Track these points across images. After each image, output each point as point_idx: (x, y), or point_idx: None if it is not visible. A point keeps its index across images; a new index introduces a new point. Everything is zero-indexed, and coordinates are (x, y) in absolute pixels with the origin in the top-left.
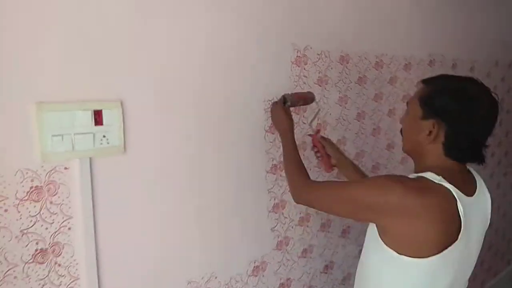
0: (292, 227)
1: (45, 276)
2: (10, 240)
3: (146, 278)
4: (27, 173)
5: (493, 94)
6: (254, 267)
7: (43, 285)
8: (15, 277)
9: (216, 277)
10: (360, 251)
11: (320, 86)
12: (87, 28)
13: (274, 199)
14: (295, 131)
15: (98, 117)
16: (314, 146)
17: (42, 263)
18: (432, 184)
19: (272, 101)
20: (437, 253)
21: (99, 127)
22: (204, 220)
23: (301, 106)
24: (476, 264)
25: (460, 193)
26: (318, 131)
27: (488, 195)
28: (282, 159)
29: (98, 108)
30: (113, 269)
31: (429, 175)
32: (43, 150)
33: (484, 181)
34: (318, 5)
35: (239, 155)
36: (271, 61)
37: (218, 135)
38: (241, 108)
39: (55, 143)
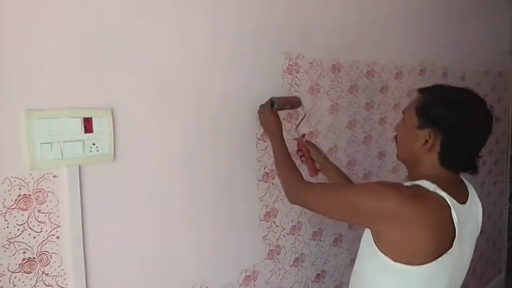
0: (284, 236)
1: (32, 286)
2: None
3: None
4: (15, 181)
5: (488, 106)
6: (245, 276)
7: None
8: (1, 287)
9: (207, 287)
10: (353, 260)
11: (311, 94)
12: (78, 36)
13: (266, 207)
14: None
15: (88, 124)
16: (299, 150)
17: (29, 272)
18: (426, 192)
19: (260, 105)
20: (432, 260)
21: (88, 135)
22: (194, 229)
23: (289, 111)
24: (468, 272)
25: (454, 200)
26: (303, 136)
27: (479, 203)
28: (274, 167)
29: (88, 115)
30: (101, 279)
31: (424, 183)
32: (32, 158)
33: (475, 189)
34: (310, 14)
35: (231, 163)
36: (263, 69)
37: (209, 143)
38: (233, 116)
39: (44, 151)
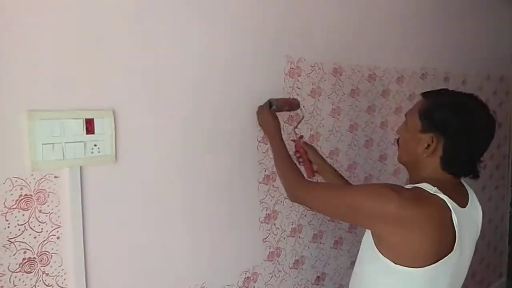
0: (284, 238)
1: (32, 286)
2: None
3: None
4: (16, 181)
5: (491, 112)
6: (245, 278)
7: None
8: (1, 287)
9: None
10: (353, 262)
11: (313, 97)
12: (80, 37)
13: (266, 209)
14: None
15: (89, 125)
16: (297, 151)
17: (30, 272)
18: (427, 195)
19: (258, 105)
20: (433, 263)
21: (90, 136)
22: (195, 230)
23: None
24: (468, 276)
25: (455, 204)
26: (301, 137)
27: (479, 207)
28: (274, 169)
29: (89, 116)
30: (101, 279)
31: (425, 186)
32: (33, 159)
33: (476, 193)
34: (312, 17)
35: (232, 165)
36: (265, 72)
37: (210, 145)
38: (234, 119)
39: (46, 152)
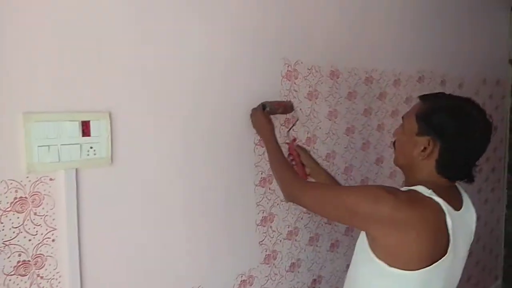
0: (280, 241)
1: None
2: None
3: None
4: (11, 183)
5: (488, 117)
6: (241, 281)
7: None
8: None
9: None
10: (349, 265)
11: (310, 100)
12: (77, 38)
13: (263, 212)
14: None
15: (85, 128)
16: (290, 154)
17: (24, 275)
18: (422, 197)
19: (252, 108)
20: (427, 266)
21: (86, 138)
22: (191, 233)
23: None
24: (464, 279)
25: (449, 207)
26: (294, 140)
27: (473, 210)
28: (271, 172)
29: (86, 119)
30: (97, 283)
31: (420, 188)
32: (29, 161)
33: (471, 196)
34: (309, 20)
35: (228, 168)
36: (262, 75)
37: (207, 147)
38: (231, 121)
39: (41, 154)
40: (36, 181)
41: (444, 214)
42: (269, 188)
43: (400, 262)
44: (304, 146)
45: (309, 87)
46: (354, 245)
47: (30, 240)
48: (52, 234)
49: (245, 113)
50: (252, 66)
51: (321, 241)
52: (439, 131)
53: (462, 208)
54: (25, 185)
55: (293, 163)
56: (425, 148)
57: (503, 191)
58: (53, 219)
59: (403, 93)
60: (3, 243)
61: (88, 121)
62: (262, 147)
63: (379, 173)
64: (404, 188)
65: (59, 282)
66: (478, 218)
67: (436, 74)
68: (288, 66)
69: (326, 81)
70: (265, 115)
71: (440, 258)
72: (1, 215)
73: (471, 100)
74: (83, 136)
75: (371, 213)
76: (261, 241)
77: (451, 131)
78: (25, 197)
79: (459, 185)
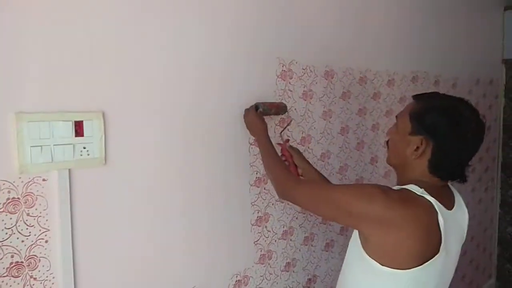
0: (275, 241)
1: None
2: None
3: None
4: (3, 184)
5: (481, 117)
6: (236, 281)
7: None
8: None
9: None
10: None
11: (305, 100)
12: (70, 38)
13: (258, 212)
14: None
15: (78, 128)
16: (283, 155)
17: (17, 276)
18: (414, 196)
19: (245, 108)
20: (419, 265)
21: (79, 138)
22: (186, 233)
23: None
24: (457, 278)
25: (441, 206)
26: (287, 141)
27: (465, 209)
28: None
29: (79, 119)
30: (91, 284)
31: (412, 187)
32: (21, 161)
33: (465, 196)
34: (304, 20)
35: (223, 168)
36: (257, 75)
37: (201, 148)
38: (226, 121)
39: (34, 154)
40: (29, 182)
41: (436, 213)
42: (264, 188)
43: (392, 261)
44: (299, 146)
45: (304, 87)
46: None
47: (23, 241)
48: (45, 235)
49: (239, 112)
50: (247, 65)
51: (316, 241)
52: (431, 130)
53: (454, 208)
54: (17, 185)
55: (286, 164)
56: (417, 147)
57: (496, 191)
58: (46, 220)
59: (397, 93)
60: None
61: (81, 121)
62: (257, 147)
63: (374, 172)
64: (396, 187)
65: (52, 284)
66: (471, 218)
67: (430, 74)
68: (283, 66)
69: (320, 81)
70: (258, 115)
71: (432, 257)
72: None
73: (464, 100)
74: (76, 136)
75: (363, 212)
76: (256, 241)
77: (444, 131)
78: (18, 198)
79: (452, 185)
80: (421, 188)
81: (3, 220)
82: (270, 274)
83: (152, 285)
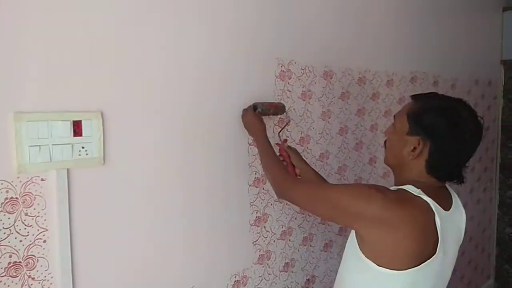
0: (274, 241)
1: None
2: None
3: None
4: (2, 184)
5: (479, 118)
6: (235, 281)
7: None
8: None
9: None
10: None
11: (303, 100)
12: (70, 38)
13: (256, 212)
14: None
15: (77, 128)
16: (281, 155)
17: (15, 276)
18: (411, 196)
19: (243, 109)
20: (416, 266)
21: (78, 138)
22: (185, 233)
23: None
24: (456, 278)
25: (438, 206)
26: (285, 141)
27: (462, 210)
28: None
29: (77, 118)
30: (89, 284)
31: (409, 188)
32: (20, 161)
33: (464, 196)
34: (303, 20)
35: (222, 168)
36: (256, 75)
37: (200, 148)
38: (225, 122)
39: (32, 154)
40: (27, 182)
41: (433, 213)
42: (263, 188)
43: (389, 262)
44: (298, 146)
45: (303, 87)
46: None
47: (21, 241)
48: (44, 235)
49: (239, 113)
50: (247, 65)
51: (315, 241)
52: (429, 131)
53: (452, 208)
54: (16, 185)
55: (284, 163)
56: (415, 147)
57: (495, 191)
58: (45, 220)
59: (396, 94)
60: None
61: (80, 121)
62: (256, 147)
63: (373, 173)
64: (393, 188)
65: (50, 284)
66: (470, 218)
67: (429, 75)
68: (281, 66)
69: (319, 81)
70: (256, 115)
71: (429, 258)
72: None
73: (462, 101)
74: (74, 136)
75: (360, 212)
76: (255, 241)
77: (441, 132)
78: (16, 198)
79: (450, 186)
80: (418, 188)
81: (1, 220)
82: (269, 274)
83: (151, 285)
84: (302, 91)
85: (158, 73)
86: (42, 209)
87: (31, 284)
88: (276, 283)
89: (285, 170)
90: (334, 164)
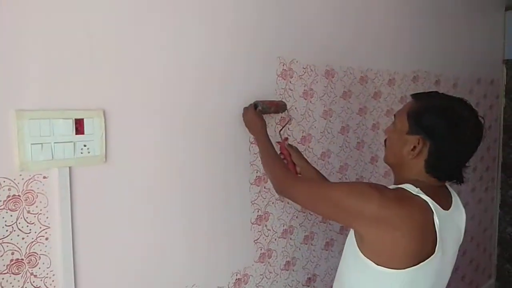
0: (275, 240)
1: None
2: None
3: None
4: (4, 181)
5: (479, 118)
6: (236, 279)
7: None
8: None
9: None
10: None
11: (305, 99)
12: (70, 36)
13: (258, 211)
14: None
15: (79, 126)
16: (281, 153)
17: (17, 274)
18: (410, 195)
19: (244, 107)
20: (414, 265)
21: (80, 136)
22: (186, 232)
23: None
24: (457, 278)
25: (437, 205)
26: (286, 139)
27: (462, 210)
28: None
29: (79, 116)
30: (91, 281)
31: (408, 187)
32: (22, 159)
33: (465, 196)
34: (305, 19)
35: (224, 167)
36: (257, 74)
37: (202, 146)
38: (227, 120)
39: (34, 152)
40: (29, 179)
41: (432, 212)
42: (264, 187)
43: (387, 261)
44: (299, 145)
45: (304, 86)
46: None
47: (23, 238)
48: (46, 233)
49: (239, 112)
50: (247, 65)
51: (316, 240)
52: (429, 131)
53: (451, 208)
54: (18, 183)
55: (285, 161)
56: (414, 147)
57: (496, 191)
58: (47, 218)
59: (398, 93)
60: None
61: (82, 119)
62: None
63: (374, 172)
64: (392, 186)
65: (52, 281)
66: (471, 218)
67: (430, 74)
68: (283, 65)
69: (321, 80)
70: (257, 113)
71: (428, 257)
72: None
73: (463, 101)
74: (76, 134)
75: (358, 210)
76: (256, 240)
77: (441, 132)
78: (18, 195)
79: (450, 186)
80: (416, 187)
81: (3, 218)
82: (270, 272)
83: (152, 282)
84: (304, 90)
85: (158, 73)
86: (44, 207)
87: (33, 282)
88: (277, 282)
89: (286, 168)
90: (335, 163)
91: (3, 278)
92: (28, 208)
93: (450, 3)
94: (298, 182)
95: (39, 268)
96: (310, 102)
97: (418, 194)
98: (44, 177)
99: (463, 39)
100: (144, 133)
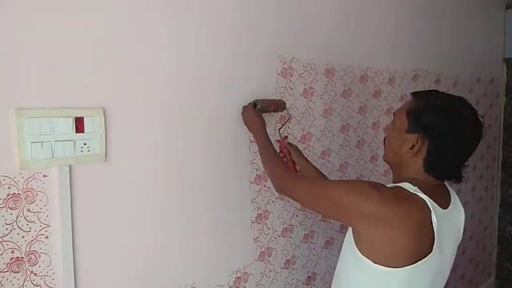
0: (275, 238)
1: (20, 286)
2: None
3: None
4: (4, 180)
5: (479, 117)
6: (236, 278)
7: None
8: None
9: None
10: None
11: (305, 98)
12: (71, 34)
13: (258, 209)
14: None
15: (79, 124)
16: (281, 151)
17: (17, 272)
18: (408, 194)
19: (243, 106)
20: (412, 264)
21: (80, 135)
22: (186, 230)
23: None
24: (457, 277)
25: (435, 204)
26: (285, 137)
27: (461, 208)
28: None
29: (79, 115)
30: (91, 280)
31: (406, 185)
32: (22, 157)
33: (465, 194)
34: (305, 18)
35: (224, 165)
36: (258, 72)
37: (202, 145)
38: (227, 119)
39: (34, 150)
40: (29, 178)
41: (430, 211)
42: (264, 186)
43: (385, 259)
44: (299, 143)
45: (305, 84)
46: None
47: (23, 236)
48: (46, 231)
49: (239, 111)
50: (247, 64)
51: (316, 238)
52: (428, 129)
53: (450, 207)
54: (18, 181)
55: (284, 160)
56: (413, 145)
57: (496, 190)
58: (47, 216)
59: (398, 91)
60: None
61: (82, 117)
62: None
63: (374, 170)
64: (390, 185)
65: (52, 279)
66: (471, 216)
67: (431, 73)
68: (283, 64)
69: (321, 78)
70: (256, 112)
71: (426, 256)
72: None
73: (463, 99)
74: (76, 132)
75: (356, 209)
76: (256, 238)
77: (440, 131)
78: (18, 194)
79: (449, 185)
80: (414, 186)
81: (3, 216)
82: (270, 271)
83: (152, 281)
84: (304, 88)
85: (158, 72)
86: (44, 205)
87: (33, 280)
88: (277, 280)
89: (286, 167)
90: (335, 162)
91: (3, 277)
92: (28, 206)
93: (450, 2)
94: (298, 180)
95: (39, 266)
96: (310, 100)
97: (416, 193)
98: (44, 176)
99: (463, 38)
100: (144, 132)
